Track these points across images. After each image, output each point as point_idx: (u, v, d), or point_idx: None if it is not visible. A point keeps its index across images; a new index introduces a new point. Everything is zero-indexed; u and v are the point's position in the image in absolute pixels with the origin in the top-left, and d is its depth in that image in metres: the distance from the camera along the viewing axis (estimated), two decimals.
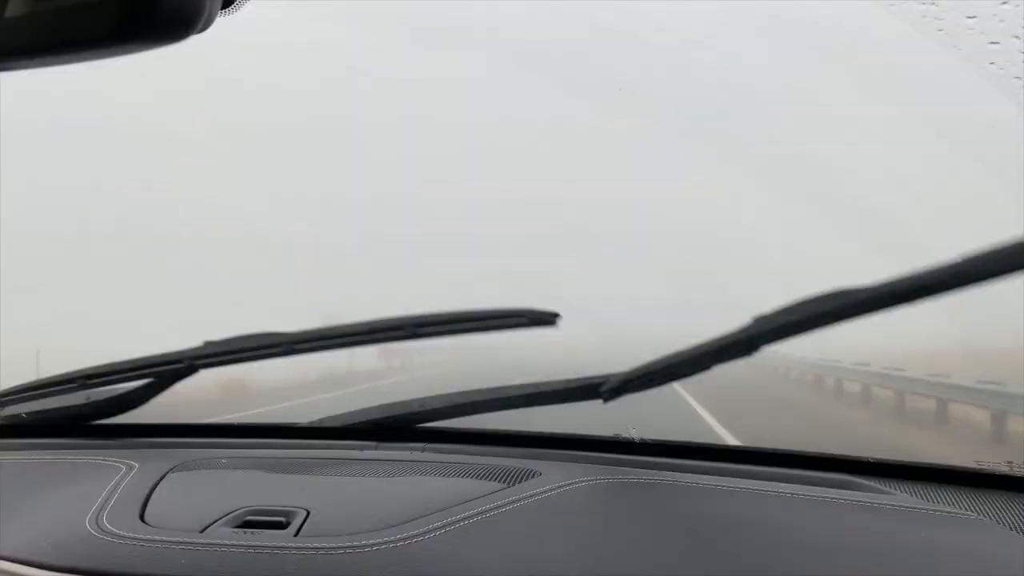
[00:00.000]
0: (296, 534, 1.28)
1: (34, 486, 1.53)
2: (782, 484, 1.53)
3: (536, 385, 1.72)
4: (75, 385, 1.80)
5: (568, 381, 1.68)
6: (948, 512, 1.42)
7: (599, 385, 1.61)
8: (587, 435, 1.85)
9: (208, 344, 1.72)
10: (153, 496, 1.44)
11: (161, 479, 1.52)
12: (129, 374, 1.79)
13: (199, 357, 1.72)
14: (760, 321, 1.49)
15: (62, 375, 1.81)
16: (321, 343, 1.66)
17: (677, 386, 17.01)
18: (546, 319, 1.57)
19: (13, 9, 0.63)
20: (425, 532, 1.27)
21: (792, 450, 1.76)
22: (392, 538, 1.25)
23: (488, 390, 1.77)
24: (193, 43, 0.66)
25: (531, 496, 1.41)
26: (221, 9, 0.73)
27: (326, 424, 1.96)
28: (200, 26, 0.60)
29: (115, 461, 1.62)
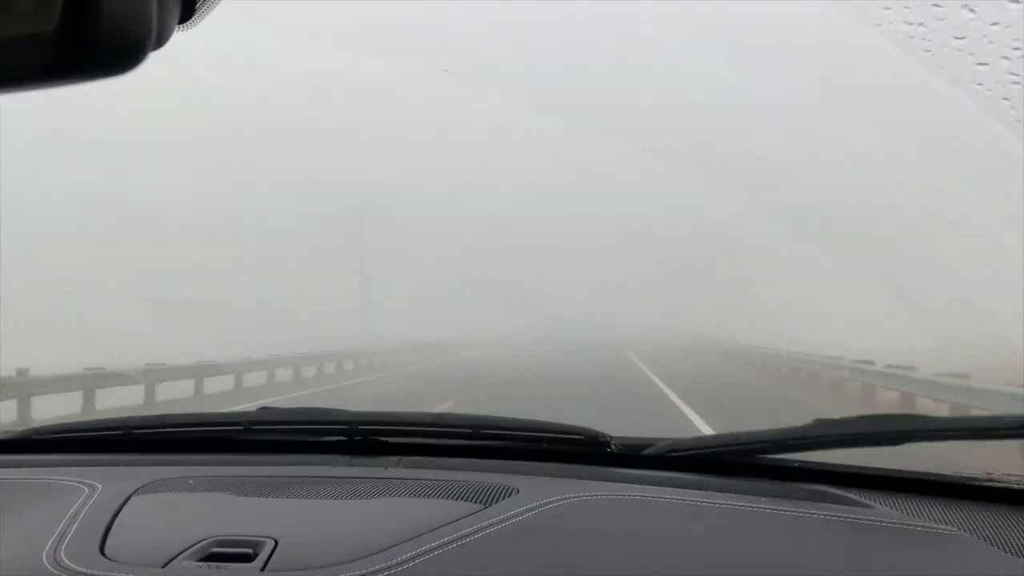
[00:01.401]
0: (263, 568, 1.22)
1: None
2: (762, 499, 1.49)
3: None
4: None
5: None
6: (928, 528, 1.40)
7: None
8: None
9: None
10: (115, 524, 1.37)
11: (124, 503, 1.46)
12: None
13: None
14: (822, 424, 1.63)
15: None
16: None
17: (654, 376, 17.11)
18: None
19: None
20: (395, 564, 1.21)
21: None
22: (365, 570, 1.19)
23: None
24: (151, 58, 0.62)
25: (507, 519, 1.36)
26: (179, 23, 0.68)
27: (299, 438, 1.89)
28: (143, 58, 0.58)
29: (77, 481, 1.56)
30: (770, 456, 1.69)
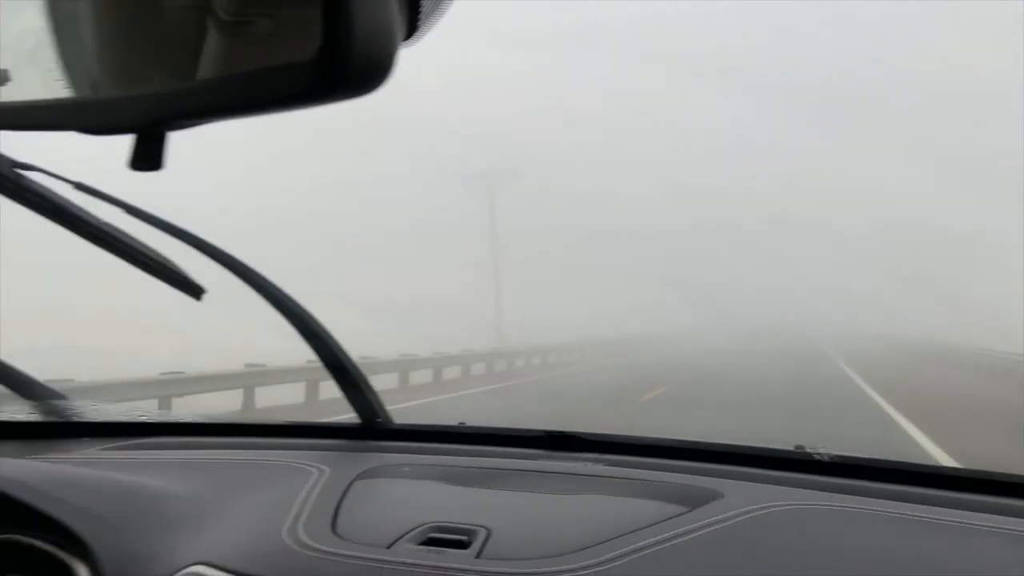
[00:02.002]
0: (478, 555, 1.27)
1: (238, 487, 1.61)
2: (997, 517, 1.36)
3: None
4: None
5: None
6: None
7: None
8: (770, 449, 1.73)
9: None
10: (342, 505, 1.47)
11: (349, 487, 1.56)
12: None
13: None
14: None
15: None
16: None
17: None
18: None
19: (204, 72, 0.66)
20: (607, 560, 1.22)
21: (1007, 475, 1.56)
22: (573, 565, 1.21)
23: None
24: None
25: (714, 523, 1.33)
26: (403, 40, 0.73)
27: (500, 431, 1.95)
28: (387, 78, 0.61)
29: (307, 464, 1.68)
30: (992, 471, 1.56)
